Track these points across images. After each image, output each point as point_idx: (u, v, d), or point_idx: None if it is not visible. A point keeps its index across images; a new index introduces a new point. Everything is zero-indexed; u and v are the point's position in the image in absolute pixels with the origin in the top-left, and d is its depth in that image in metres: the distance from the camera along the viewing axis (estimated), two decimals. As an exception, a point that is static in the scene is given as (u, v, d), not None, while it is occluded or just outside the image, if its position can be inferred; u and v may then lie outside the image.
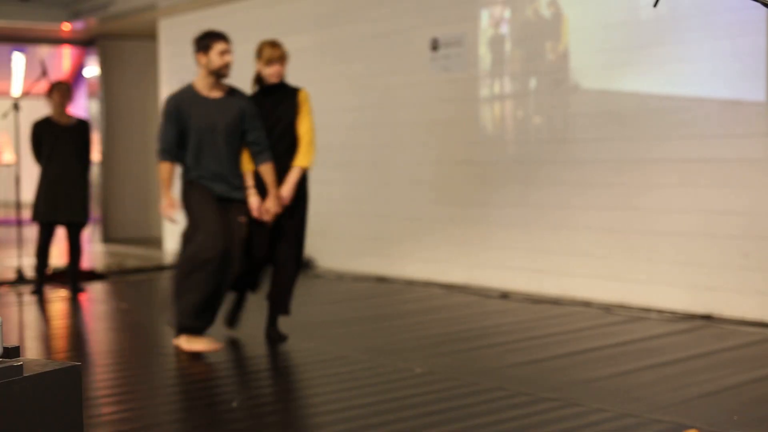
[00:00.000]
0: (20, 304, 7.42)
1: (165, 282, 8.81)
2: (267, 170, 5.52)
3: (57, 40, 13.21)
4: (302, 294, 7.81)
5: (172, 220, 5.55)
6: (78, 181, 7.70)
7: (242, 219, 5.49)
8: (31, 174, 11.25)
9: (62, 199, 7.62)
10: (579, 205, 7.12)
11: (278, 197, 5.52)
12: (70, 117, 7.78)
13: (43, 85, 8.13)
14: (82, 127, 7.79)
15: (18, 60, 11.16)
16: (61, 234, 8.65)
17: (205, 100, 5.51)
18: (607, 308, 6.70)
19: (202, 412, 4.26)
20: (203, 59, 5.50)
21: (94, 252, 11.57)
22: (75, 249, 7.80)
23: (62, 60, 14.68)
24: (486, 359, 5.30)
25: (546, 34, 7.34)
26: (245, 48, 10.56)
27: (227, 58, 5.48)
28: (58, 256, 9.70)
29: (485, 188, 7.79)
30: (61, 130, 7.69)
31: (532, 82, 7.46)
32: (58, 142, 7.66)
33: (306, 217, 5.76)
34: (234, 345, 5.78)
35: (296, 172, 5.58)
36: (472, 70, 7.83)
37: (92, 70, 13.14)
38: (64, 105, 7.75)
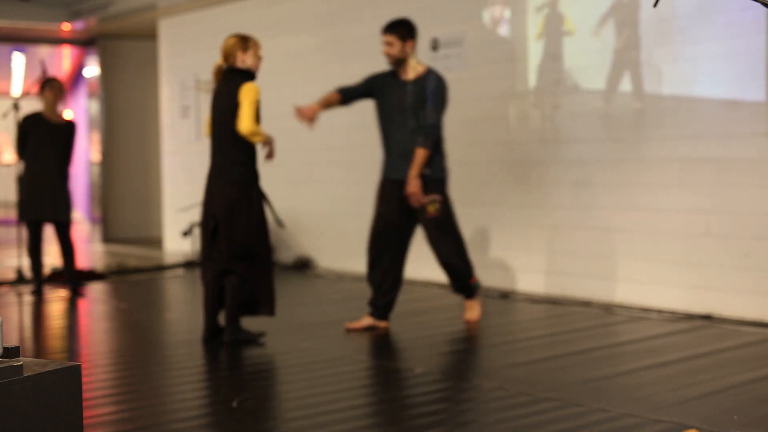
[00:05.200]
0: (20, 304, 7.42)
1: (165, 282, 8.81)
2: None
3: (57, 40, 13.22)
4: (302, 294, 7.82)
5: None
6: (59, 180, 7.69)
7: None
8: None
9: (46, 197, 7.61)
10: (579, 205, 7.12)
11: None
12: (60, 116, 7.77)
13: (36, 83, 8.12)
14: (69, 128, 7.78)
15: (18, 60, 11.16)
16: (50, 234, 8.65)
17: None
18: (607, 308, 6.71)
19: (202, 412, 4.26)
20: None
21: (94, 252, 11.57)
22: (66, 248, 7.79)
23: (62, 60, 14.69)
24: (486, 359, 5.30)
25: (546, 34, 7.34)
26: (245, 48, 10.57)
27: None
28: (55, 256, 9.71)
29: (485, 188, 7.79)
30: (49, 128, 7.68)
31: (532, 82, 7.46)
32: (44, 140, 7.65)
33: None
34: (234, 345, 5.78)
35: None
36: (472, 70, 7.84)
37: (92, 70, 13.14)
38: (56, 103, 7.74)
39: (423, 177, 5.86)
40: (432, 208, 5.88)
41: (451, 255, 6.03)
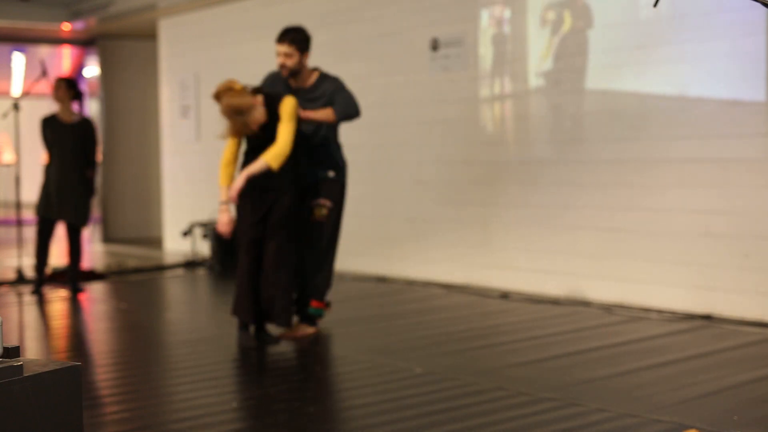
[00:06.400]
0: (20, 304, 7.42)
1: (165, 282, 8.81)
2: None
3: (57, 40, 13.21)
4: (302, 294, 7.80)
5: None
6: (74, 181, 7.68)
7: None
8: (31, 174, 11.25)
9: (56, 197, 7.63)
10: (579, 205, 7.12)
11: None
12: (73, 114, 7.77)
13: (43, 85, 8.13)
14: (84, 126, 7.79)
15: (18, 60, 11.16)
16: (61, 234, 8.67)
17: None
18: (607, 308, 6.71)
19: (202, 411, 4.26)
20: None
21: (94, 252, 11.57)
22: (74, 249, 7.80)
23: (62, 60, 14.68)
24: (486, 359, 5.30)
25: (546, 34, 7.34)
26: (245, 48, 10.58)
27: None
28: (58, 256, 9.71)
29: (485, 188, 7.79)
30: (62, 128, 7.69)
31: (532, 82, 7.46)
32: (57, 140, 7.67)
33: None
34: (234, 346, 5.78)
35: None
36: (472, 70, 7.84)
37: (92, 70, 13.14)
38: (67, 102, 7.75)
39: (328, 176, 5.84)
40: (318, 213, 5.79)
41: (311, 265, 5.84)
